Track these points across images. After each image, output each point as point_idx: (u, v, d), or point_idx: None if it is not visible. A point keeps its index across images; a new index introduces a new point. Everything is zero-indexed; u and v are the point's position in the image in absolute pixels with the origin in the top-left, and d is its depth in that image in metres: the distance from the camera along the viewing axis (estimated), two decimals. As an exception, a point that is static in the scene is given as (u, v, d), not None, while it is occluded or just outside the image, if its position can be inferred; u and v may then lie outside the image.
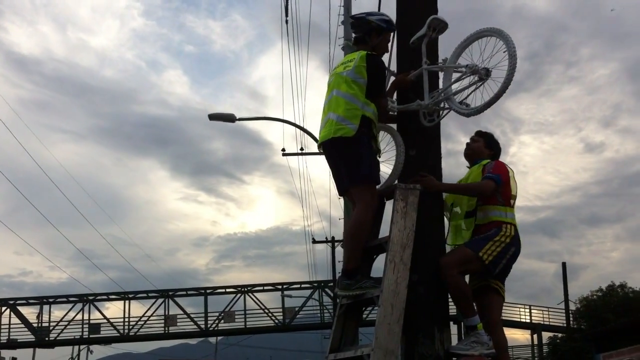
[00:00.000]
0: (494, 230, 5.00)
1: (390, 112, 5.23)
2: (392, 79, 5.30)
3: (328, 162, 5.12)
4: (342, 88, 4.94)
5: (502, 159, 5.45)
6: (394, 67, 5.43)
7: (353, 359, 4.86)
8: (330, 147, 4.95)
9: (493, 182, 5.04)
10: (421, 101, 5.03)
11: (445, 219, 5.29)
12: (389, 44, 5.26)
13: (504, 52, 4.52)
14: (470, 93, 4.80)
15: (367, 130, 4.88)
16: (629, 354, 23.95)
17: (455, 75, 4.94)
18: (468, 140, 5.50)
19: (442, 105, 5.00)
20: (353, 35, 5.23)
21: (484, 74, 4.61)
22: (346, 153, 4.86)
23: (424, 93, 5.00)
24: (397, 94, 5.30)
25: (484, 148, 5.40)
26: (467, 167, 5.48)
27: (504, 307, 5.36)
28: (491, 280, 5.12)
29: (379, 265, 4.88)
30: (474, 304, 5.15)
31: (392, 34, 5.22)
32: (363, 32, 5.12)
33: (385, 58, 5.31)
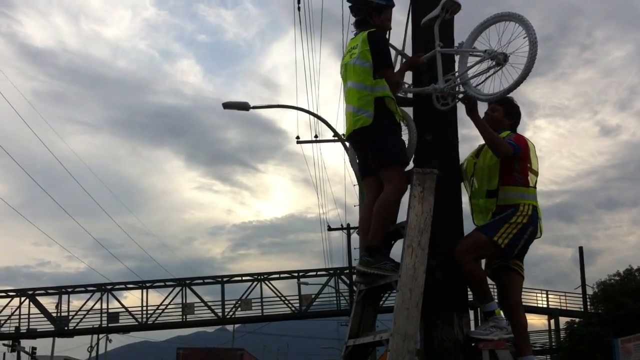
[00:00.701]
0: (510, 211, 4.90)
1: (401, 94, 5.19)
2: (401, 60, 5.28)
3: (355, 152, 5.27)
4: (351, 78, 5.00)
5: None
6: (408, 50, 5.37)
7: (372, 344, 4.87)
8: (355, 139, 5.05)
9: (511, 149, 4.90)
10: (435, 85, 4.99)
11: (465, 190, 5.23)
12: (390, 22, 5.18)
13: (524, 37, 4.44)
14: (487, 78, 4.75)
15: (386, 111, 4.88)
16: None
17: (471, 60, 4.88)
18: (486, 110, 5.26)
19: (457, 89, 4.95)
20: (355, 19, 5.15)
21: (502, 59, 4.55)
22: (369, 140, 4.92)
23: (437, 76, 4.95)
24: (412, 77, 5.26)
25: (504, 117, 5.18)
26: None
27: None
28: (510, 260, 5.05)
29: (396, 251, 4.88)
30: (495, 285, 5.14)
31: (391, 9, 5.15)
32: (364, 13, 5.08)
33: (399, 40, 5.29)
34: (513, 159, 4.95)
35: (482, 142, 5.19)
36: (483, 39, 4.84)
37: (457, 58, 5.08)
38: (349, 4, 5.18)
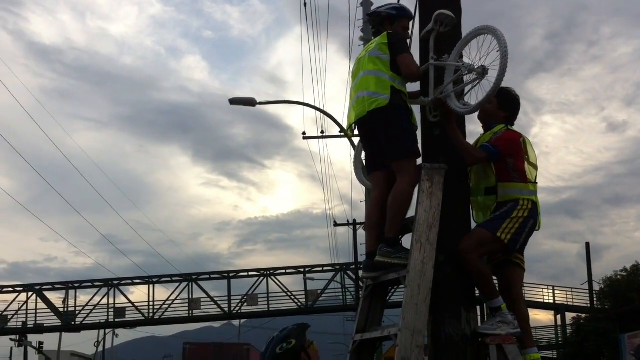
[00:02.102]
0: (510, 206, 4.91)
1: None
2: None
3: (364, 139, 5.19)
4: (367, 67, 5.01)
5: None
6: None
7: (380, 339, 4.89)
8: (367, 123, 4.98)
9: (484, 154, 4.93)
10: (425, 97, 5.07)
11: None
12: (408, 31, 5.28)
13: (497, 51, 4.48)
14: (468, 91, 4.86)
15: (403, 102, 4.92)
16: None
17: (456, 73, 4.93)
18: None
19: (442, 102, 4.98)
20: (373, 30, 5.31)
21: (480, 72, 4.60)
22: (386, 126, 4.89)
23: (429, 89, 5.01)
24: (420, 85, 5.27)
25: (497, 110, 5.11)
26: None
27: (527, 289, 5.37)
28: (512, 254, 5.06)
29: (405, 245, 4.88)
30: (497, 279, 5.16)
31: (407, 20, 5.25)
32: (377, 24, 5.25)
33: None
34: (498, 159, 4.95)
35: (477, 137, 5.24)
36: (470, 51, 4.89)
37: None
38: (368, 18, 5.33)
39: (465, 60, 4.87)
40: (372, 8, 5.64)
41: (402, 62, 4.91)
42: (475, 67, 4.64)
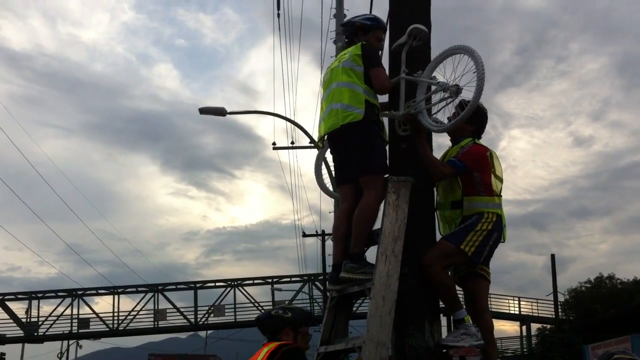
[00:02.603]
0: (474, 218, 4.95)
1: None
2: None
3: (334, 152, 5.16)
4: (341, 78, 5.00)
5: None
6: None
7: (344, 351, 4.89)
8: (340, 136, 4.97)
9: (450, 169, 4.96)
10: (395, 111, 5.08)
11: None
12: (381, 42, 5.26)
13: (474, 72, 4.50)
14: (440, 109, 4.90)
15: (376, 117, 4.93)
16: (617, 345, 24.12)
17: (429, 89, 4.94)
18: (449, 115, 5.18)
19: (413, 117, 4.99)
20: (346, 40, 5.31)
21: (454, 92, 4.63)
22: (358, 141, 4.88)
23: (399, 102, 5.02)
24: (388, 99, 5.28)
25: (465, 123, 4.97)
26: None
27: (493, 300, 5.40)
28: (477, 266, 5.09)
29: (369, 257, 4.89)
30: (462, 291, 5.20)
31: (381, 31, 5.24)
32: (350, 35, 5.24)
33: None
34: (465, 173, 4.99)
35: (445, 150, 5.28)
36: (442, 69, 4.90)
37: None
38: (342, 28, 5.32)
39: (439, 77, 4.88)
40: (346, 19, 5.59)
41: (375, 76, 4.91)
42: (450, 85, 4.65)
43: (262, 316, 4.39)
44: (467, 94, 4.60)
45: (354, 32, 5.21)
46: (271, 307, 40.25)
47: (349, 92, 4.93)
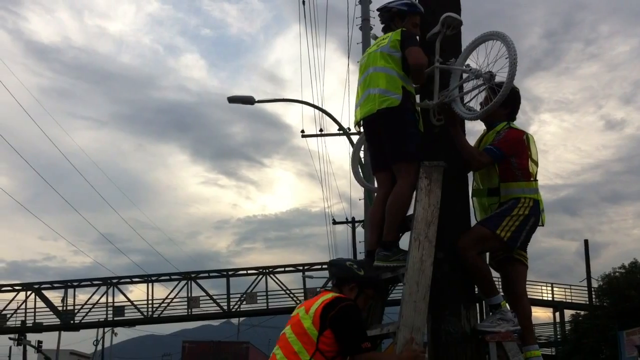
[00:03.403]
0: (510, 203, 4.90)
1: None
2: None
3: (370, 137, 5.12)
4: (379, 63, 4.94)
5: None
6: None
7: (380, 337, 4.88)
8: (376, 121, 4.93)
9: (489, 158, 4.91)
10: (429, 101, 5.03)
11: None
12: (418, 28, 5.17)
13: (506, 58, 4.46)
14: (474, 97, 4.87)
15: (411, 105, 4.89)
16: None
17: (463, 77, 4.92)
18: (481, 101, 5.13)
19: (447, 106, 4.97)
20: (382, 25, 5.24)
21: (487, 78, 4.59)
22: (393, 127, 4.85)
23: (433, 92, 4.98)
24: (419, 90, 5.22)
25: (499, 108, 4.85)
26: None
27: (527, 286, 5.33)
28: (514, 251, 5.04)
29: (403, 244, 4.88)
30: (500, 276, 5.16)
31: (418, 16, 5.16)
32: (387, 20, 5.17)
33: None
34: (502, 160, 4.93)
35: (480, 135, 5.23)
36: (473, 57, 4.86)
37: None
38: (378, 12, 5.27)
39: (472, 65, 4.83)
40: (382, 4, 5.52)
41: (411, 53, 4.81)
42: (483, 72, 4.62)
43: (336, 262, 4.38)
44: (500, 80, 4.57)
45: (391, 18, 5.13)
46: (303, 294, 40.46)
47: (385, 77, 4.88)
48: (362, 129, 5.27)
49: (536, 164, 5.11)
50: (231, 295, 40.89)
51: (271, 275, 40.98)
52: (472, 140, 5.21)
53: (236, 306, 41.00)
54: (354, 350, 3.94)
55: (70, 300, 41.08)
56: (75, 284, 41.48)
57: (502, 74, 4.54)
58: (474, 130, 5.38)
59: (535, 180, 5.06)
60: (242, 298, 40.96)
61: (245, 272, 42.00)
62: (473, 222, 5.14)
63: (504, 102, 4.81)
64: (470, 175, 5.22)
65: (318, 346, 3.91)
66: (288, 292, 41.04)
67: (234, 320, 62.23)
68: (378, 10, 5.30)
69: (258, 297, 41.13)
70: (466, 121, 5.11)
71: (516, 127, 5.16)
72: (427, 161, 4.86)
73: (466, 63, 4.89)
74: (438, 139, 5.06)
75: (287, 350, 3.97)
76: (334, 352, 3.93)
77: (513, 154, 4.96)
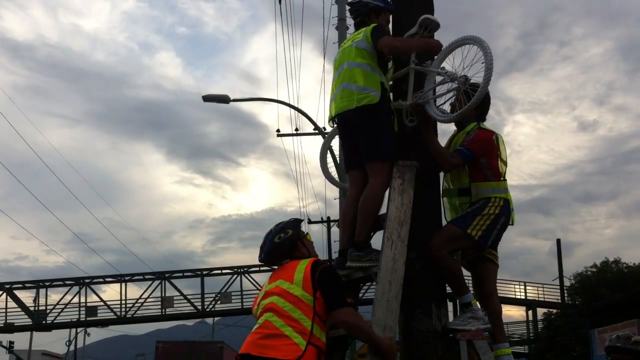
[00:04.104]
0: (481, 203, 4.94)
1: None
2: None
3: (344, 135, 5.09)
4: (355, 59, 4.93)
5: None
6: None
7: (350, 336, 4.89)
8: (352, 118, 4.89)
9: (459, 159, 4.94)
10: (403, 101, 5.04)
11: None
12: (389, 24, 5.22)
13: (482, 62, 4.48)
14: (448, 99, 4.90)
15: (388, 103, 4.90)
16: (623, 329, 24.18)
17: (437, 80, 4.92)
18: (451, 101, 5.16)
19: (420, 107, 4.97)
20: (354, 20, 5.22)
21: (462, 82, 4.61)
22: (370, 125, 4.82)
23: (408, 92, 4.99)
24: (393, 90, 5.23)
25: None
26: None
27: (499, 285, 5.39)
28: (485, 250, 5.08)
29: (376, 242, 4.90)
30: (471, 274, 5.21)
31: (389, 13, 5.20)
32: (362, 15, 5.15)
33: None
34: (472, 161, 4.96)
35: (450, 135, 5.26)
36: (449, 60, 4.88)
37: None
38: (348, 8, 5.25)
39: (447, 68, 4.84)
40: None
41: (382, 42, 4.81)
42: (458, 76, 4.64)
43: (271, 247, 4.33)
44: (474, 82, 4.59)
45: (366, 13, 5.13)
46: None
47: (363, 73, 4.87)
48: (335, 125, 5.23)
49: (505, 163, 5.16)
50: (206, 295, 40.79)
51: (246, 275, 40.91)
52: (443, 141, 5.24)
53: (210, 306, 40.89)
54: (338, 304, 4.05)
55: (42, 300, 40.75)
56: (47, 284, 41.10)
57: (476, 78, 4.57)
58: (449, 131, 5.41)
59: (505, 179, 5.11)
60: (217, 298, 40.84)
61: (220, 271, 41.90)
62: (444, 217, 5.17)
63: None
64: (441, 175, 5.26)
65: (315, 310, 4.01)
66: (263, 291, 40.96)
67: (209, 320, 62.01)
68: (352, 4, 5.25)
69: (233, 297, 41.05)
70: (438, 123, 5.14)
71: (486, 127, 5.20)
72: (401, 161, 4.89)
73: (442, 66, 4.91)
74: (410, 138, 5.08)
75: (287, 318, 3.99)
76: (326, 314, 4.05)
77: (483, 155, 5.00)
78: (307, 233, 4.48)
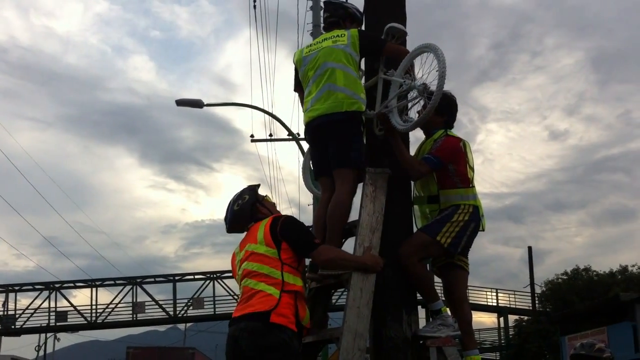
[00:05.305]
0: (450, 210, 4.94)
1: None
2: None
3: (318, 139, 5.01)
4: (341, 61, 4.89)
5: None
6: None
7: (322, 342, 4.90)
8: (335, 122, 4.83)
9: (427, 167, 4.93)
10: (370, 111, 5.04)
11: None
12: None
13: (436, 70, 4.49)
14: (410, 108, 4.92)
15: (360, 113, 4.92)
16: (593, 336, 24.43)
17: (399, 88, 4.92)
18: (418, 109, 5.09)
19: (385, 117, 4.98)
20: (327, 19, 5.20)
21: (421, 90, 4.62)
22: (345, 131, 4.82)
23: (376, 102, 5.01)
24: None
25: (435, 115, 4.79)
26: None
27: (471, 292, 5.44)
28: (455, 257, 5.09)
29: (347, 249, 4.90)
30: (441, 281, 5.23)
31: (359, 25, 5.25)
32: (338, 16, 5.15)
33: None
34: (440, 168, 4.97)
35: (419, 144, 5.29)
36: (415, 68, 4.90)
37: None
38: (325, 6, 5.25)
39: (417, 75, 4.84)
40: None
41: (392, 46, 4.99)
42: (417, 84, 4.65)
43: (232, 216, 4.56)
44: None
45: (343, 17, 5.14)
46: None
47: (350, 78, 4.86)
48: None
49: (473, 170, 5.17)
50: (178, 301, 40.46)
51: (219, 281, 40.66)
52: (413, 148, 5.26)
53: (183, 311, 40.58)
54: (309, 248, 4.31)
55: (11, 305, 40.11)
56: (16, 288, 40.49)
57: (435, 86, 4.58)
58: (421, 138, 5.42)
59: (473, 186, 5.11)
60: (189, 303, 40.55)
61: (192, 277, 41.58)
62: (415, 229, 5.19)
63: (440, 110, 4.80)
64: (412, 182, 5.27)
65: (282, 260, 4.22)
66: (235, 297, 40.77)
67: (181, 326, 61.61)
68: (331, 3, 5.22)
69: (205, 303, 40.79)
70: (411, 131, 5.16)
71: (453, 134, 5.19)
72: (373, 168, 4.90)
73: (405, 74, 4.90)
74: (382, 144, 5.09)
75: (259, 276, 4.21)
76: (295, 260, 4.28)
77: (451, 161, 5.00)
78: (267, 195, 4.67)
